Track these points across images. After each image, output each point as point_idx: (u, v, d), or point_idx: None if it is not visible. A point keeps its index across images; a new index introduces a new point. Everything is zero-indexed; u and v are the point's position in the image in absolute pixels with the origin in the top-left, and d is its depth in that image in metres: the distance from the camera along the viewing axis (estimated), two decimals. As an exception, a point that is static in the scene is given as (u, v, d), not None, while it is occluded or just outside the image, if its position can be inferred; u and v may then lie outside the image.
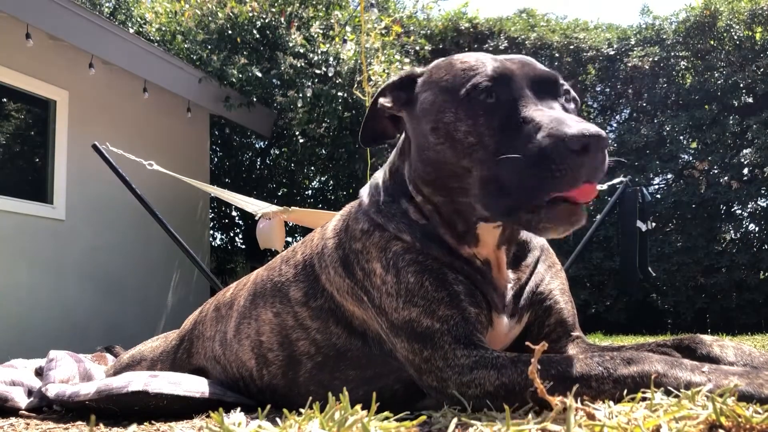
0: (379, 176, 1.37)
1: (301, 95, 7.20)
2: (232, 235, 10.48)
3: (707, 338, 1.13)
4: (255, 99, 7.54)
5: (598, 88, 9.91)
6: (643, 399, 0.83)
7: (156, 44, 7.88)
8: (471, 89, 1.11)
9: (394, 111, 1.29)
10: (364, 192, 1.37)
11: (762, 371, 0.88)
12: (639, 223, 5.12)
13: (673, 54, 9.01)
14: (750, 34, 8.41)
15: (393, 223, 1.25)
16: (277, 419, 0.86)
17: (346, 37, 7.72)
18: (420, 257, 1.19)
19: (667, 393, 0.85)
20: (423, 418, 0.82)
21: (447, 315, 1.12)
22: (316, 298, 1.37)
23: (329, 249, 1.36)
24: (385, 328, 1.20)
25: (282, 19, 7.82)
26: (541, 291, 1.30)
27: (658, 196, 8.97)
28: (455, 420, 0.81)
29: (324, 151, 8.53)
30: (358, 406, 0.77)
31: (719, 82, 8.48)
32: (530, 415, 0.83)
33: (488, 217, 1.13)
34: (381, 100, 1.30)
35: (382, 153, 6.94)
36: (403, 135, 1.33)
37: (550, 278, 1.33)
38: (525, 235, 1.31)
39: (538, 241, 1.35)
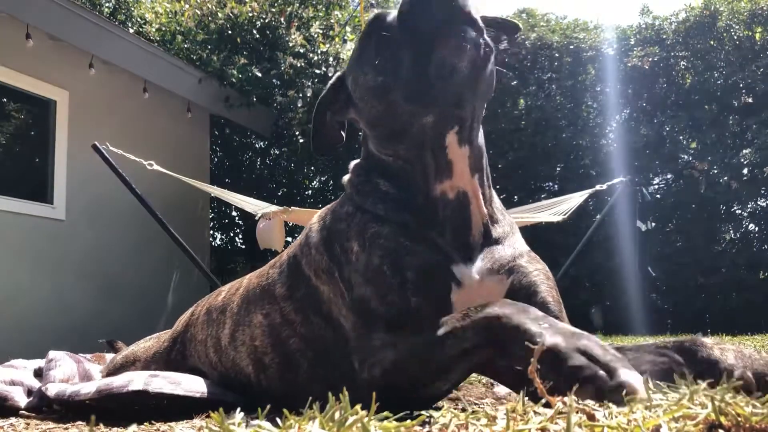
0: (354, 163, 1.45)
1: (301, 95, 7.21)
2: (232, 235, 10.49)
3: (708, 341, 1.12)
4: (255, 99, 7.55)
5: (598, 88, 9.91)
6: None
7: (156, 44, 7.88)
8: (361, 42, 1.27)
9: (342, 118, 1.43)
10: (345, 178, 1.44)
11: (583, 336, 0.93)
12: (639, 223, 5.13)
13: (672, 54, 9.02)
14: (750, 34, 8.42)
15: (369, 199, 1.31)
16: (277, 419, 0.87)
17: (346, 37, 7.73)
18: (388, 242, 1.22)
19: (664, 392, 0.85)
20: (423, 417, 0.82)
21: (392, 301, 1.16)
22: (299, 288, 1.39)
23: (314, 233, 1.40)
24: (347, 300, 1.24)
25: (282, 19, 7.83)
26: (522, 266, 1.29)
27: (658, 196, 8.98)
28: (455, 420, 0.82)
29: (324, 151, 8.52)
30: (357, 406, 0.77)
31: (719, 82, 8.50)
32: (530, 415, 0.83)
33: (421, 108, 1.17)
34: (328, 115, 1.44)
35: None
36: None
37: (529, 260, 1.32)
38: (495, 211, 1.34)
39: (507, 220, 1.37)
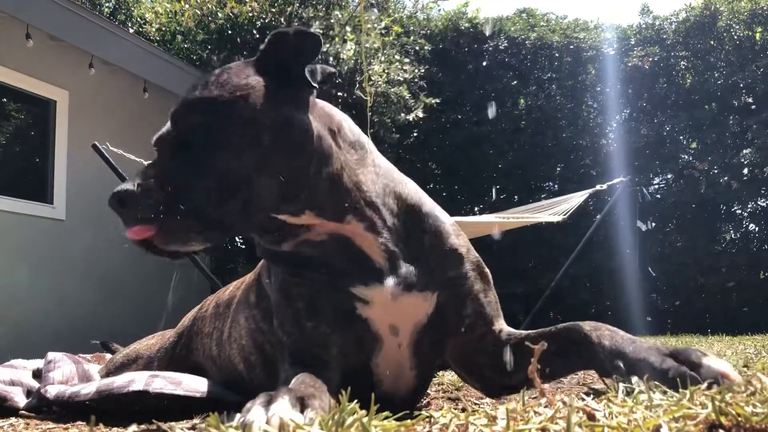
0: None
1: (301, 95, 7.21)
2: (232, 235, 10.45)
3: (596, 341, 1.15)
4: (255, 99, 7.53)
5: (598, 88, 9.91)
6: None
7: (156, 44, 7.88)
8: None
9: None
10: None
11: None
12: (639, 223, 5.13)
13: (673, 54, 9.02)
14: (750, 34, 8.42)
15: (260, 246, 1.34)
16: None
17: (346, 37, 7.73)
18: (279, 280, 1.29)
19: (664, 392, 0.85)
20: (423, 417, 0.82)
21: (290, 331, 1.26)
22: (263, 299, 1.44)
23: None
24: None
25: (282, 20, 7.82)
26: (450, 279, 1.29)
27: (658, 196, 8.98)
28: (455, 420, 0.81)
29: (324, 151, 8.52)
30: (356, 405, 0.77)
31: (719, 82, 8.50)
32: (530, 415, 0.83)
33: None
34: None
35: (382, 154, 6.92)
36: None
37: (455, 264, 1.31)
38: (403, 229, 1.29)
39: (426, 233, 1.31)
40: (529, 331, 1.30)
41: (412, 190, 1.34)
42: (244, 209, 1.10)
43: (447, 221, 1.37)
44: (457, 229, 1.38)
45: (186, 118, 1.14)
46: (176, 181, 1.07)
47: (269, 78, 1.18)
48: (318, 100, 1.27)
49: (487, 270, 1.38)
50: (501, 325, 1.34)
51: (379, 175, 1.29)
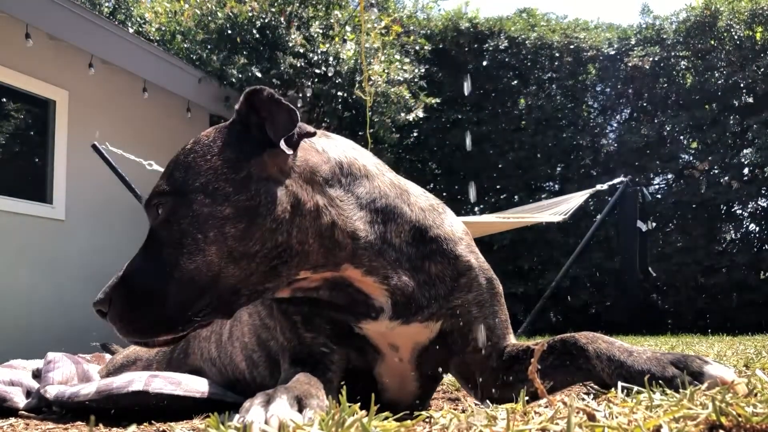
0: None
1: (301, 95, 7.21)
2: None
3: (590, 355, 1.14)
4: (255, 99, 7.53)
5: (598, 88, 9.92)
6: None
7: (156, 44, 7.88)
8: None
9: None
10: None
11: None
12: (639, 223, 5.13)
13: (673, 54, 9.02)
14: (750, 33, 8.42)
15: None
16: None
17: (345, 37, 7.73)
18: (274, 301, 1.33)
19: (664, 392, 0.85)
20: (423, 417, 0.82)
21: (289, 337, 1.30)
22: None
23: None
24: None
25: (282, 19, 7.82)
26: (457, 304, 1.26)
27: (659, 196, 8.99)
28: (455, 420, 0.81)
29: (324, 151, 8.51)
30: (356, 406, 0.77)
31: (719, 82, 8.50)
32: (531, 415, 0.83)
33: None
34: None
35: (382, 154, 6.93)
36: None
37: (462, 291, 1.27)
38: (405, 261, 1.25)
39: (447, 255, 1.27)
40: (529, 344, 1.31)
41: (418, 215, 1.25)
42: (216, 304, 1.08)
43: (456, 235, 1.30)
44: (468, 245, 1.32)
45: (150, 211, 1.13)
46: (141, 284, 1.15)
47: (242, 146, 1.10)
48: (304, 144, 1.15)
49: (499, 288, 1.34)
50: (508, 341, 1.32)
51: (379, 211, 1.20)
